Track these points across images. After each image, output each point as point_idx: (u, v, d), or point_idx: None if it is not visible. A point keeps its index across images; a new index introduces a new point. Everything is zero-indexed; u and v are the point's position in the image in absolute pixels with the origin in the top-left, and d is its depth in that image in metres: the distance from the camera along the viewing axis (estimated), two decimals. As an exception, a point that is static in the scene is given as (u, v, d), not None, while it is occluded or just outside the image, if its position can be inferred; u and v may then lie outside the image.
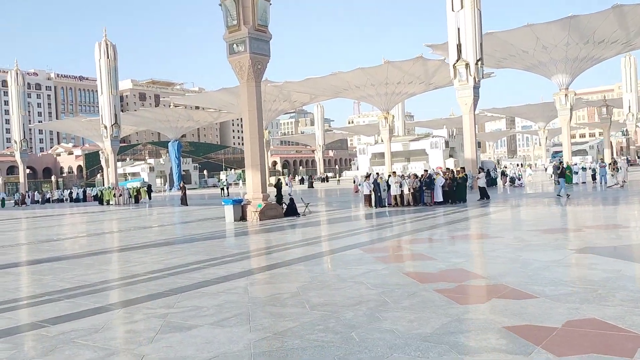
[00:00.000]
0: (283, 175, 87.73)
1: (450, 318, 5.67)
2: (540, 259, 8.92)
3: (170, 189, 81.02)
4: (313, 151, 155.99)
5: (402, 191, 23.11)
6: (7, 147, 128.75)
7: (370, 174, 25.07)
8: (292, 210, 21.61)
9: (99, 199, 43.72)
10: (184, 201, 34.23)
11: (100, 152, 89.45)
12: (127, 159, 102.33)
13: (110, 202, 41.26)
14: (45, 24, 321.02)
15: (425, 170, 24.30)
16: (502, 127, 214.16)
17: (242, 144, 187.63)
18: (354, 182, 44.17)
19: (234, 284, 8.36)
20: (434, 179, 22.95)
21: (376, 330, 5.38)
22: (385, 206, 23.30)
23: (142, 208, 35.40)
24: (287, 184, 33.77)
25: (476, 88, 37.02)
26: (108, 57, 57.74)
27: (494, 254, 9.62)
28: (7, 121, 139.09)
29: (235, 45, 20.75)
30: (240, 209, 20.65)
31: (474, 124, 37.47)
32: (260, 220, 19.95)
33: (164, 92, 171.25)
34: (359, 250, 11.23)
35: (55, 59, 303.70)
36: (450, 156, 68.02)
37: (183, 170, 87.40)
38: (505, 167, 63.21)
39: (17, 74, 67.99)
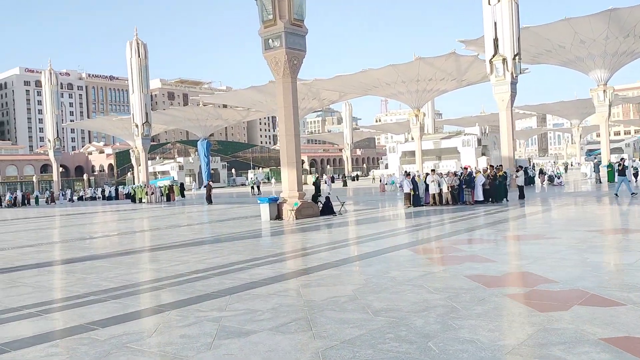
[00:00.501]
0: (312, 173, 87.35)
1: (535, 327, 5.14)
2: (611, 262, 8.29)
3: (199, 188, 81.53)
4: (340, 150, 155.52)
5: (440, 190, 22.48)
6: (41, 146, 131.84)
7: (409, 171, 24.44)
8: (328, 209, 21.19)
9: (131, 197, 44.08)
10: (209, 200, 34.30)
11: (130, 150, 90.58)
12: (157, 157, 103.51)
13: (143, 200, 41.52)
14: (76, 24, 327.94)
15: (465, 168, 23.58)
16: (533, 125, 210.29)
17: (270, 143, 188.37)
18: (380, 180, 43.58)
19: (284, 285, 7.96)
20: (474, 177, 22.24)
21: (455, 340, 4.89)
22: (422, 205, 22.69)
23: (175, 206, 35.46)
24: (326, 183, 33.07)
25: (513, 84, 35.99)
26: (139, 56, 58.26)
27: (557, 256, 8.99)
28: (41, 120, 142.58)
29: (270, 40, 20.41)
30: (276, 207, 20.31)
31: (511, 121, 36.45)
32: (296, 219, 19.57)
33: (192, 91, 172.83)
34: (407, 250, 10.72)
35: (86, 59, 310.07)
36: (483, 154, 66.67)
37: (212, 169, 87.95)
38: (543, 165, 61.65)
39: (50, 73, 69.24)
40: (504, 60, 35.84)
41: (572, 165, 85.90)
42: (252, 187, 46.44)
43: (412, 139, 71.46)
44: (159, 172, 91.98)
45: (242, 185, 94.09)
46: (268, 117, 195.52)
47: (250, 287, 7.91)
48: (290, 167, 20.63)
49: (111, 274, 9.96)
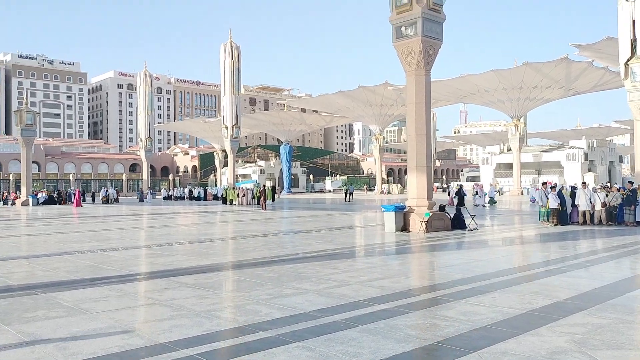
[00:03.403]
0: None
1: None
2: None
3: (281, 192, 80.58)
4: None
5: (593, 207, 19.02)
6: (130, 146, 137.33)
7: (556, 184, 21.10)
8: (459, 223, 18.35)
9: (223, 198, 43.09)
10: (263, 206, 32.86)
11: (214, 153, 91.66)
12: (239, 160, 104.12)
13: (234, 202, 40.32)
14: (167, 30, 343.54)
15: (630, 182, 19.91)
16: (626, 142, 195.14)
17: (346, 150, 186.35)
18: (449, 194, 39.93)
19: (545, 338, 5.29)
20: (638, 193, 18.58)
21: None
22: (569, 223, 19.29)
23: (268, 210, 33.71)
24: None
25: (653, 89, 31.44)
26: (232, 59, 57.99)
27: None
28: (131, 122, 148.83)
29: (403, 27, 17.98)
30: (402, 217, 17.73)
31: (650, 132, 31.83)
32: (427, 231, 16.90)
33: (273, 97, 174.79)
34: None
35: (173, 64, 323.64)
36: (589, 170, 60.86)
37: (292, 174, 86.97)
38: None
39: (145, 75, 70.81)
40: (644, 63, 31.40)
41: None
42: (346, 194, 44.24)
43: (509, 150, 66.71)
44: (240, 175, 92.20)
45: (321, 191, 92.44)
46: (345, 125, 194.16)
47: (494, 339, 5.33)
48: (419, 171, 18.00)
49: (261, 293, 7.74)
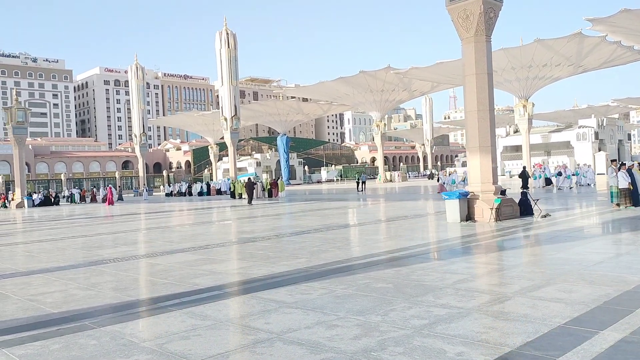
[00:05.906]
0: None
1: None
2: None
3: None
4: (412, 147, 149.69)
5: (667, 185, 17.14)
6: (120, 144, 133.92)
7: (625, 162, 19.17)
8: (526, 208, 16.38)
9: (231, 192, 40.82)
10: (250, 199, 32.04)
11: (209, 147, 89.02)
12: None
13: (243, 196, 38.09)
14: (154, 25, 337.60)
15: None
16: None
17: (337, 140, 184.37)
18: (438, 180, 38.88)
19: None
20: None
21: None
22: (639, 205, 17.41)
23: (282, 203, 31.56)
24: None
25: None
26: (229, 47, 55.46)
27: None
28: (119, 119, 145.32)
29: (459, -11, 15.83)
30: (466, 204, 15.70)
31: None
32: (497, 220, 14.91)
33: (262, 89, 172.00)
34: None
35: (159, 58, 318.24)
36: (599, 149, 59.36)
37: (289, 165, 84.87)
38: None
39: (137, 68, 67.86)
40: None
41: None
42: (358, 183, 42.40)
43: (515, 132, 65.13)
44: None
45: (318, 182, 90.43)
46: (335, 115, 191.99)
47: None
48: (483, 152, 15.95)
49: (405, 315, 5.64)
